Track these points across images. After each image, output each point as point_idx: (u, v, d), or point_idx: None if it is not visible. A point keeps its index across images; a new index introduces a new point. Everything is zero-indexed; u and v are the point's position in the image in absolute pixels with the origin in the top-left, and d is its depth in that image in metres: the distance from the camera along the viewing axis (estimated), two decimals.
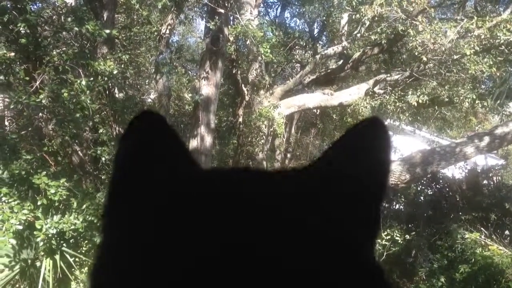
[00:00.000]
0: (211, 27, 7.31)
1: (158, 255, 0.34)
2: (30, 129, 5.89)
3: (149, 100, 9.91)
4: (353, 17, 9.26)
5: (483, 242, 7.85)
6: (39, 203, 5.01)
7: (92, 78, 5.67)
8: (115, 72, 5.64)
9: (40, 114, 5.72)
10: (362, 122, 0.44)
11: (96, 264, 0.39)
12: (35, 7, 6.09)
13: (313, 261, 0.34)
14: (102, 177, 6.29)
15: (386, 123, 0.42)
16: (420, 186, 9.63)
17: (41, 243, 5.09)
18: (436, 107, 9.68)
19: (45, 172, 5.10)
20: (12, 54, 5.60)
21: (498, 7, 9.73)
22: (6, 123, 7.03)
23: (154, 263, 0.34)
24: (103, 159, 6.04)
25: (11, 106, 5.73)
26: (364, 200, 0.40)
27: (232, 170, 0.45)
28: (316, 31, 12.87)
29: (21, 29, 5.24)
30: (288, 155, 11.81)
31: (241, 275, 0.33)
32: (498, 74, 7.79)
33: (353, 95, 9.44)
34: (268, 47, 7.04)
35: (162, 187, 0.40)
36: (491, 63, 7.64)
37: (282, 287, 0.33)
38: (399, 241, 8.17)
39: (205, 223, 0.35)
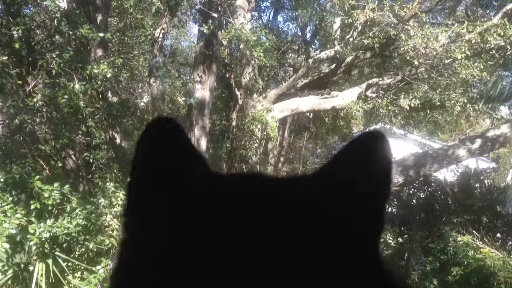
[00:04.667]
0: (204, 31, 7.32)
1: (202, 255, 0.39)
2: (24, 132, 5.87)
3: (142, 103, 9.89)
4: (346, 21, 9.32)
5: (475, 245, 7.90)
6: (32, 207, 4.98)
7: (86, 82, 5.66)
8: (108, 75, 5.63)
9: (33, 117, 5.69)
10: (364, 134, 0.48)
11: (124, 258, 0.42)
12: (28, 11, 6.07)
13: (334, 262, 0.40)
14: (95, 181, 6.26)
15: (385, 134, 0.46)
16: (413, 189, 9.67)
17: (34, 247, 5.05)
18: (428, 110, 9.76)
19: (38, 176, 5.07)
20: (5, 58, 5.58)
21: (488, 12, 9.84)
22: None
23: (200, 261, 0.39)
24: (97, 163, 6.02)
25: (4, 110, 5.70)
26: (372, 200, 0.46)
27: (250, 179, 0.49)
28: (309, 35, 12.93)
29: (14, 33, 5.22)
30: (281, 159, 11.82)
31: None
32: (489, 78, 7.87)
33: (346, 98, 9.48)
34: (261, 51, 7.07)
35: (193, 192, 0.43)
36: (482, 67, 7.72)
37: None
38: (392, 244, 8.21)
39: (236, 236, 0.40)
